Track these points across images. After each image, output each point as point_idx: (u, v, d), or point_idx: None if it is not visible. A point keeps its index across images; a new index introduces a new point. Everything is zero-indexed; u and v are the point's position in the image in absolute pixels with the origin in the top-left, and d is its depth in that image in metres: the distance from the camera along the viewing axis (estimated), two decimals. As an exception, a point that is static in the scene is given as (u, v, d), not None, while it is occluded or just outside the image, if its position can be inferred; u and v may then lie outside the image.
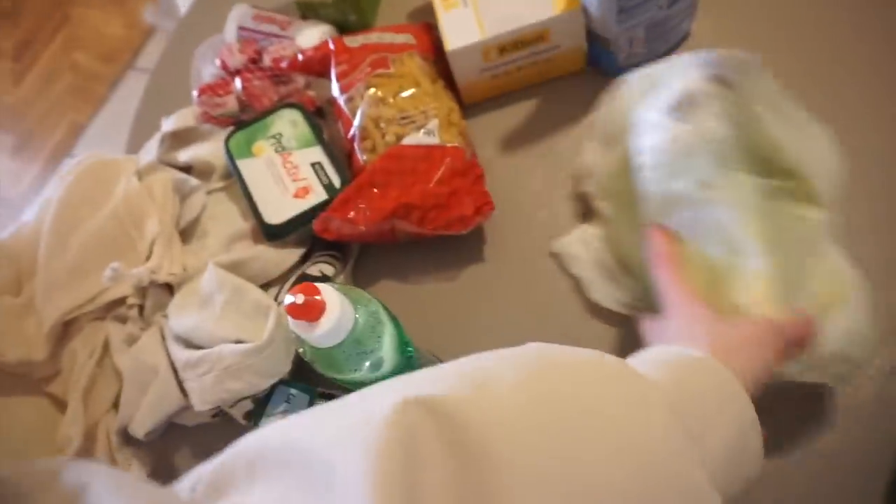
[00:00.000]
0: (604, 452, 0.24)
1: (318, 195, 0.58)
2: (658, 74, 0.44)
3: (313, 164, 0.59)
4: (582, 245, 0.51)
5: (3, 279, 0.62)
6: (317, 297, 0.35)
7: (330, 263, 0.58)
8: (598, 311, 0.52)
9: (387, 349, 0.39)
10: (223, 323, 0.50)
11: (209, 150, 0.65)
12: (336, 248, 0.60)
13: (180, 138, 0.70)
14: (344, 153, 0.61)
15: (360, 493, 0.21)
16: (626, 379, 0.28)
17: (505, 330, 0.55)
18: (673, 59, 0.44)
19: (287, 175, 0.59)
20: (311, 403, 0.51)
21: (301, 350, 0.40)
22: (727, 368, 0.32)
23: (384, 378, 0.39)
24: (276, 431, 0.26)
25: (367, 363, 0.38)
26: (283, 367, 0.49)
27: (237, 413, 0.53)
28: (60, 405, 0.59)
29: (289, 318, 0.36)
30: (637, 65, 0.61)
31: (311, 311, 0.35)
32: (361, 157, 0.57)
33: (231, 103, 0.68)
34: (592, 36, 0.60)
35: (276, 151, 0.61)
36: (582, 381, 0.27)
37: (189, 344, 0.53)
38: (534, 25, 0.58)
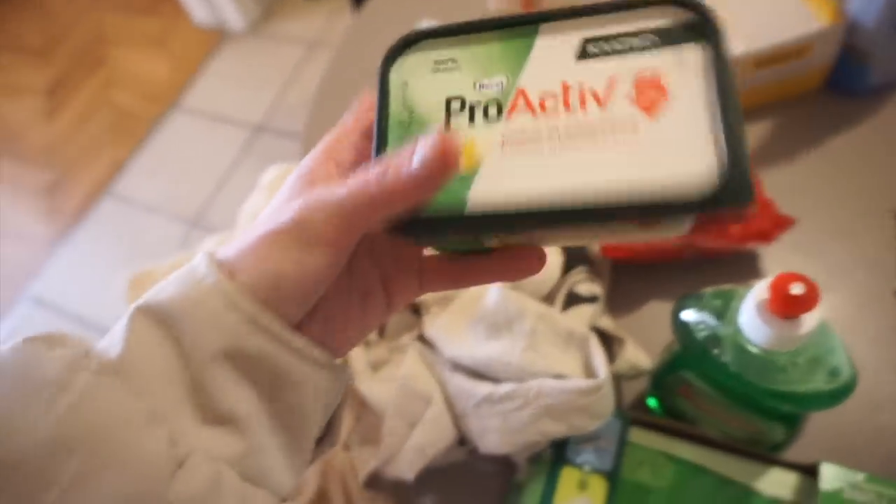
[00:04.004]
0: None
1: None
2: None
3: None
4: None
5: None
6: (813, 290, 0.30)
7: (593, 281, 0.53)
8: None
9: (840, 354, 0.34)
10: (531, 355, 0.44)
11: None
12: (588, 263, 0.55)
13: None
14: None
15: None
16: (29, 372, 0.22)
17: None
18: None
19: None
20: (623, 432, 0.45)
21: (714, 353, 0.35)
22: (210, 268, 0.23)
23: (839, 390, 0.34)
24: None
25: (824, 371, 0.33)
26: (612, 407, 0.43)
27: (521, 456, 0.47)
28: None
29: (754, 310, 0.31)
30: (890, 84, 0.60)
31: (803, 305, 0.30)
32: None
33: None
34: (846, 52, 0.59)
35: None
36: None
37: (476, 375, 0.47)
38: (799, 39, 0.56)
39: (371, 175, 0.23)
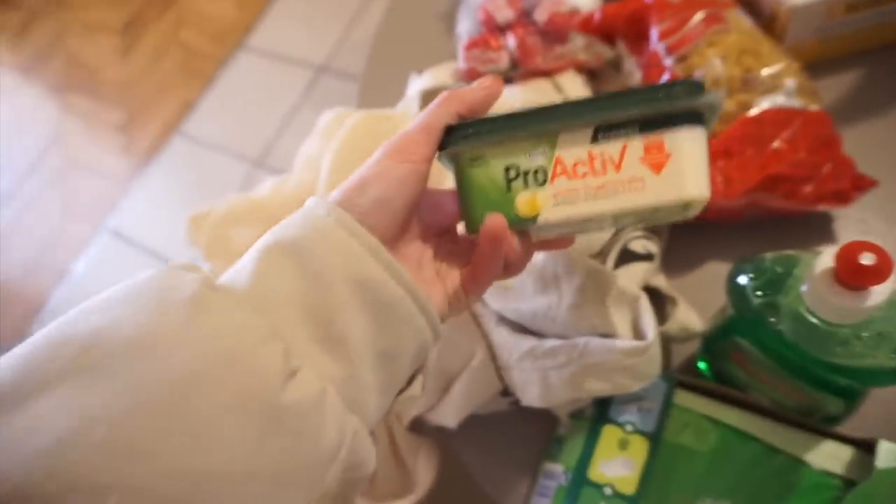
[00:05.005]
0: (101, 378, 0.22)
1: None
2: None
3: None
4: None
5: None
6: (885, 260, 0.28)
7: (650, 239, 0.51)
8: None
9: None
10: (580, 312, 0.43)
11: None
12: (646, 222, 0.53)
13: (431, 98, 0.64)
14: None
15: None
16: (153, 291, 0.25)
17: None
18: None
19: None
20: (668, 394, 0.44)
21: (771, 321, 0.33)
22: (330, 206, 0.28)
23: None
24: None
25: (891, 347, 0.31)
26: (658, 369, 0.42)
27: (563, 410, 0.47)
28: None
29: (820, 279, 0.29)
30: None
31: (873, 276, 0.28)
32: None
33: (503, 60, 0.62)
34: (955, -5, 0.53)
35: None
36: (86, 315, 0.24)
37: (522, 329, 0.47)
38: (901, -22, 0.51)
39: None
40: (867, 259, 0.28)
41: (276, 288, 0.26)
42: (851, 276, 0.28)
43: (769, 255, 0.36)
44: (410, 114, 0.60)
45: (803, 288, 0.32)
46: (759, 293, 0.35)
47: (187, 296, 0.25)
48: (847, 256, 0.28)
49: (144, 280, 0.26)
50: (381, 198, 0.28)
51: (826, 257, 0.30)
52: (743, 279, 0.36)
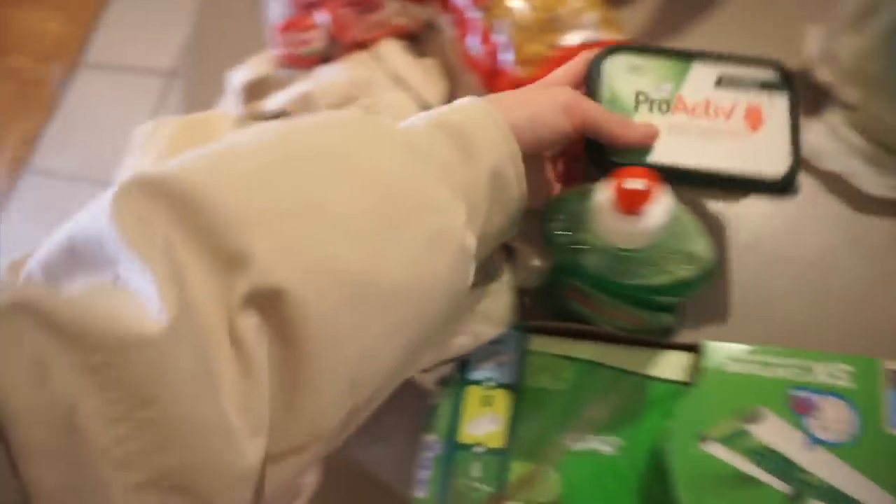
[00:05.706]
0: (341, 185, 0.27)
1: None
2: None
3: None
4: (830, 137, 0.45)
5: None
6: (651, 182, 0.29)
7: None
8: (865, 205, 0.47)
9: (695, 239, 0.33)
10: None
11: (307, 89, 0.57)
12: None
13: (254, 90, 0.62)
14: (482, 73, 0.54)
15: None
16: (366, 124, 0.31)
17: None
18: None
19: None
20: (522, 343, 0.45)
21: (580, 257, 0.34)
22: (489, 106, 0.34)
23: (702, 274, 0.34)
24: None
25: (682, 258, 0.33)
26: (509, 311, 0.43)
27: (430, 378, 0.47)
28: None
29: (602, 210, 0.30)
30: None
31: (644, 197, 0.29)
32: (516, 71, 0.51)
33: (319, 39, 0.60)
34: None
35: None
36: (317, 131, 0.30)
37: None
38: None
39: (618, 117, 0.37)
40: (634, 184, 0.29)
41: (443, 160, 0.31)
42: (625, 202, 0.29)
43: (571, 192, 0.37)
44: (229, 111, 0.58)
45: (593, 221, 0.33)
46: (563, 231, 0.36)
47: (398, 139, 0.30)
48: (618, 185, 0.29)
49: (358, 116, 0.31)
50: (533, 118, 0.34)
51: (603, 189, 0.31)
52: (550, 220, 0.37)
